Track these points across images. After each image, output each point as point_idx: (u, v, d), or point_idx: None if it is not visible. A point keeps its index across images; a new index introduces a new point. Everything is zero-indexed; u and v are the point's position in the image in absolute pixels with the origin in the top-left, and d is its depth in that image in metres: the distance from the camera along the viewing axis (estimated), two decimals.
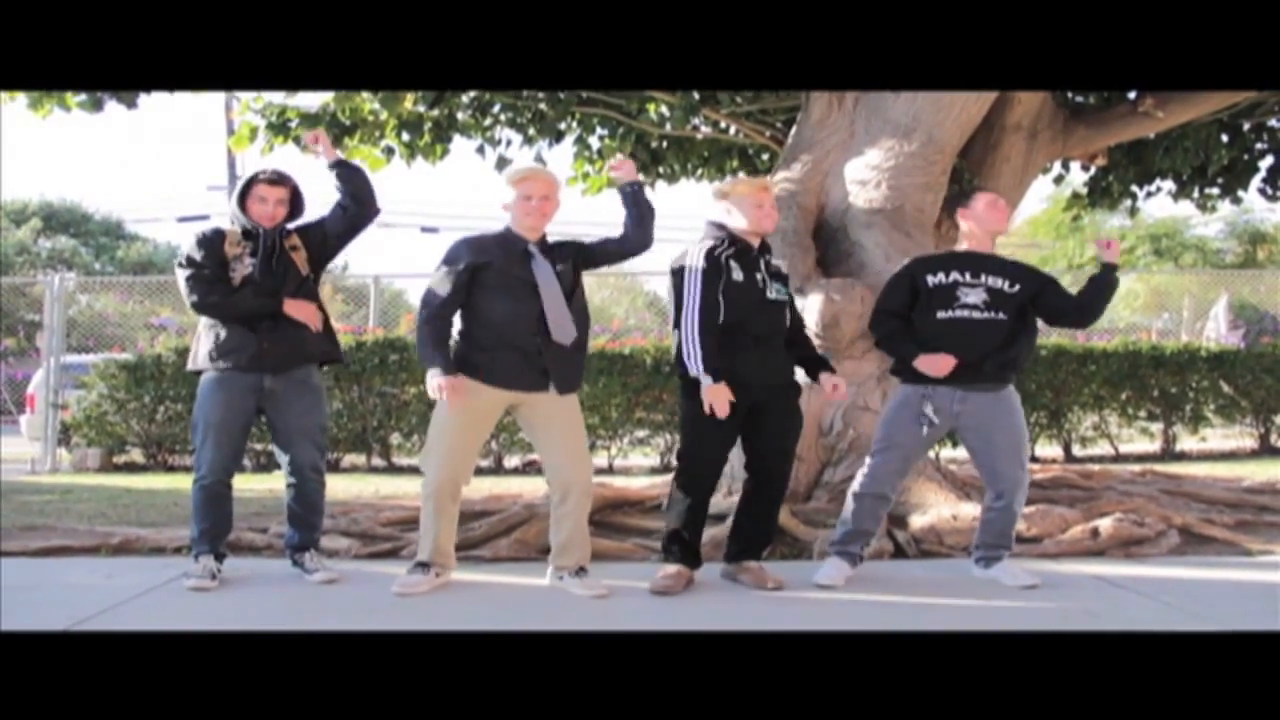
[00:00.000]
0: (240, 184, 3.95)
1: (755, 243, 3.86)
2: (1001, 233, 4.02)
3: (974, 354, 3.80)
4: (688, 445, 3.85)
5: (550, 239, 3.91)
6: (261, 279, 3.85)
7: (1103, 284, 3.93)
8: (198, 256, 3.86)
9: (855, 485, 3.96)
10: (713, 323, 3.69)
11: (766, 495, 3.91)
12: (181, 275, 3.87)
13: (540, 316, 3.70)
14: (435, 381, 3.61)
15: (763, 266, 3.85)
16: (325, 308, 4.08)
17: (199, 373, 3.94)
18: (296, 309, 3.87)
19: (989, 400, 3.84)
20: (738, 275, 3.78)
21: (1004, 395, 3.87)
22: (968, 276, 3.88)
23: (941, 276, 3.90)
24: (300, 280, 3.95)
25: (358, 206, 3.99)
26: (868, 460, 3.96)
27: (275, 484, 6.66)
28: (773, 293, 3.83)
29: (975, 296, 3.85)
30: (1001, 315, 3.83)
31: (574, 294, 3.84)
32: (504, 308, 3.72)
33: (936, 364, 3.81)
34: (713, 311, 3.69)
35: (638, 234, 3.85)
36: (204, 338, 3.89)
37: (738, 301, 3.75)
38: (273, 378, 3.86)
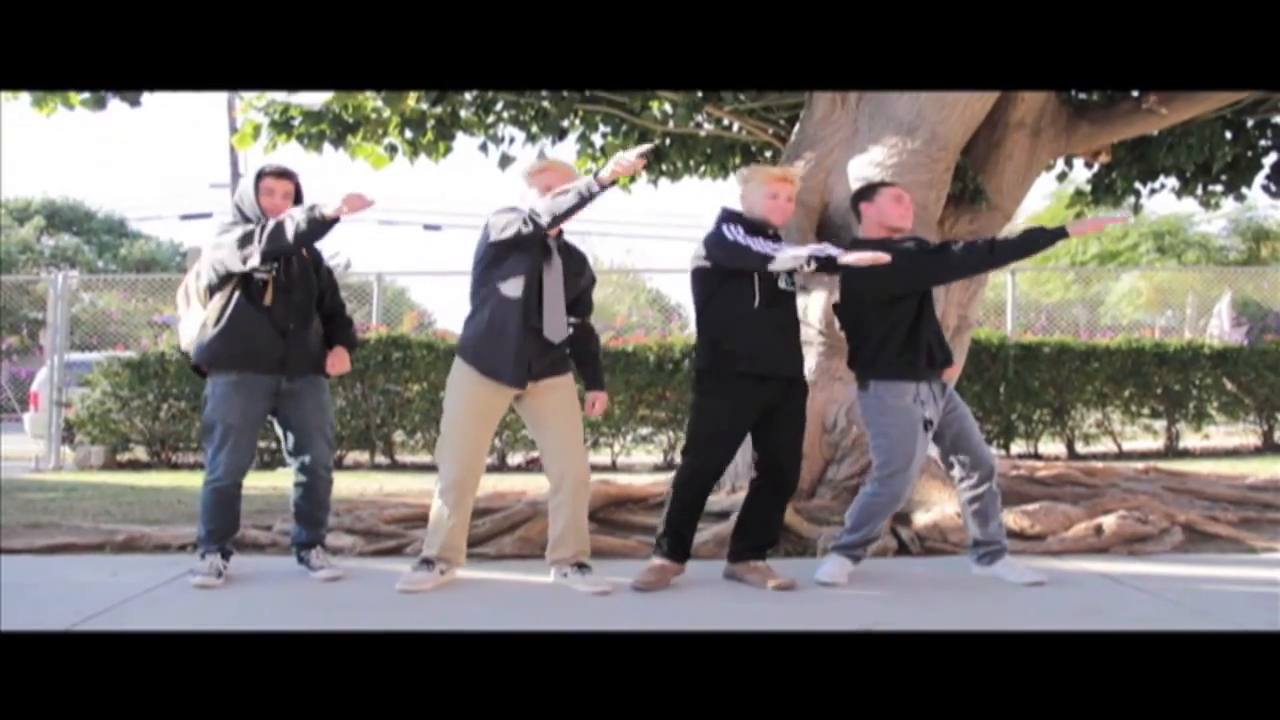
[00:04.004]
0: (250, 179, 3.99)
1: (770, 233, 3.84)
2: (901, 230, 3.93)
3: (932, 350, 3.85)
4: (699, 439, 3.81)
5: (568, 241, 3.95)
6: (281, 275, 3.87)
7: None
8: (244, 212, 3.91)
9: (874, 501, 3.83)
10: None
11: (779, 494, 3.89)
12: (230, 233, 3.83)
13: (539, 307, 3.72)
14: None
15: None
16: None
17: (198, 368, 3.93)
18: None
19: (949, 387, 3.93)
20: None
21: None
22: None
23: None
24: (310, 286, 4.00)
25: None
26: (883, 480, 3.80)
27: (279, 482, 6.67)
28: (784, 283, 3.83)
29: None
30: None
31: (575, 299, 3.89)
32: (519, 294, 3.70)
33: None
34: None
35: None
36: (222, 335, 3.81)
37: (757, 291, 3.75)
38: (288, 379, 3.89)
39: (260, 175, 3.96)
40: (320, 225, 3.67)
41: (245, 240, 3.77)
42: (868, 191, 4.05)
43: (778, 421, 3.81)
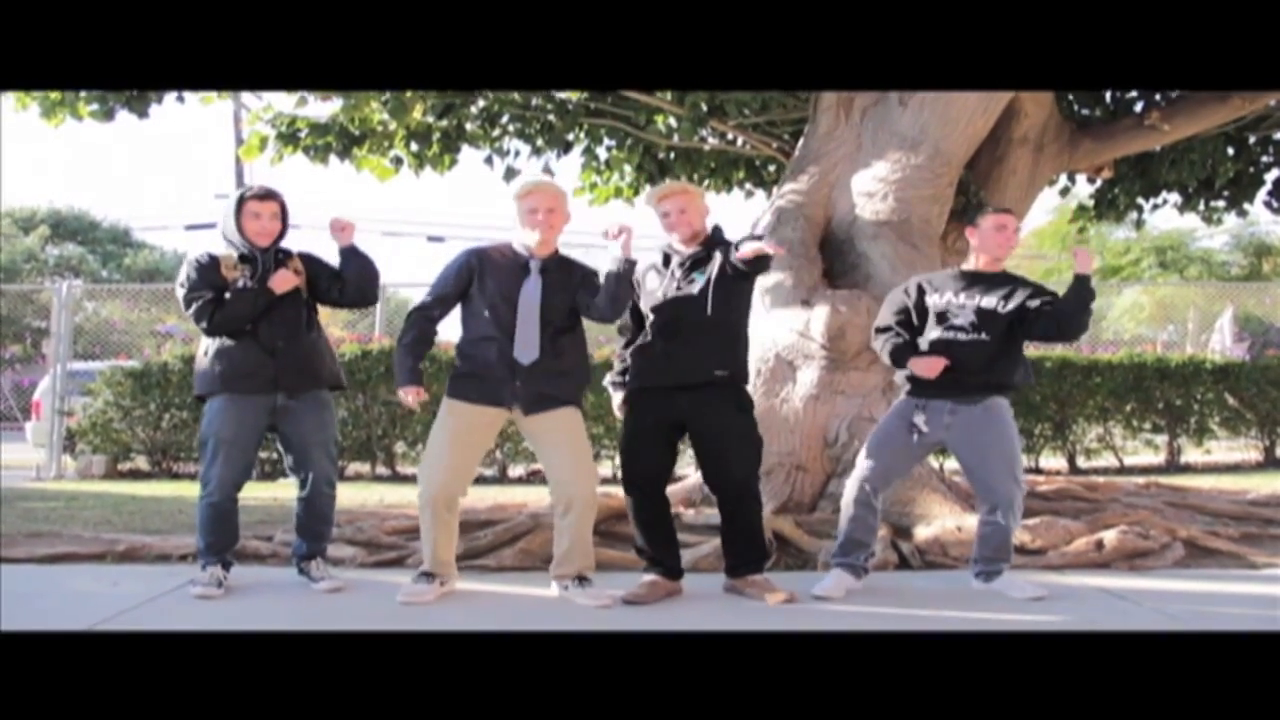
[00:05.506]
0: (231, 205, 3.92)
1: (683, 246, 3.85)
2: (1002, 258, 3.99)
3: (961, 373, 3.82)
4: (621, 452, 3.93)
5: (571, 257, 3.91)
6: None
7: (1079, 294, 3.83)
8: (198, 278, 3.83)
9: (847, 491, 3.95)
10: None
11: (728, 507, 3.85)
12: (185, 300, 3.84)
13: (511, 330, 3.70)
14: (399, 393, 3.84)
15: (676, 265, 3.83)
16: (325, 332, 4.12)
17: (202, 396, 3.93)
18: (278, 282, 3.85)
19: (978, 413, 3.84)
20: (652, 285, 3.85)
21: (992, 407, 3.86)
22: (960, 297, 3.91)
23: (937, 297, 3.94)
24: (297, 300, 3.94)
25: (359, 295, 4.07)
26: (857, 464, 3.98)
27: (280, 493, 6.68)
28: (680, 287, 3.78)
29: (964, 318, 3.87)
30: (985, 336, 3.83)
31: (563, 317, 3.78)
32: (489, 320, 3.73)
33: (927, 365, 3.82)
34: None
35: (608, 309, 3.78)
36: (213, 360, 3.85)
37: (649, 308, 3.84)
38: (285, 396, 3.87)
39: (243, 199, 3.88)
40: (261, 300, 3.82)
41: (198, 314, 3.81)
42: (975, 215, 4.08)
43: (698, 433, 3.80)
